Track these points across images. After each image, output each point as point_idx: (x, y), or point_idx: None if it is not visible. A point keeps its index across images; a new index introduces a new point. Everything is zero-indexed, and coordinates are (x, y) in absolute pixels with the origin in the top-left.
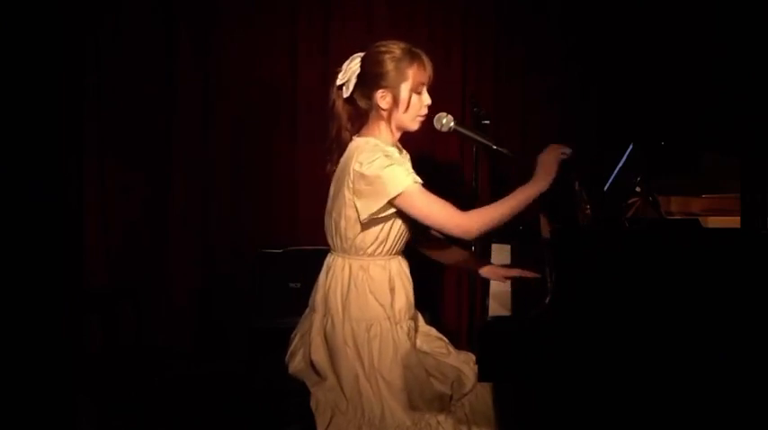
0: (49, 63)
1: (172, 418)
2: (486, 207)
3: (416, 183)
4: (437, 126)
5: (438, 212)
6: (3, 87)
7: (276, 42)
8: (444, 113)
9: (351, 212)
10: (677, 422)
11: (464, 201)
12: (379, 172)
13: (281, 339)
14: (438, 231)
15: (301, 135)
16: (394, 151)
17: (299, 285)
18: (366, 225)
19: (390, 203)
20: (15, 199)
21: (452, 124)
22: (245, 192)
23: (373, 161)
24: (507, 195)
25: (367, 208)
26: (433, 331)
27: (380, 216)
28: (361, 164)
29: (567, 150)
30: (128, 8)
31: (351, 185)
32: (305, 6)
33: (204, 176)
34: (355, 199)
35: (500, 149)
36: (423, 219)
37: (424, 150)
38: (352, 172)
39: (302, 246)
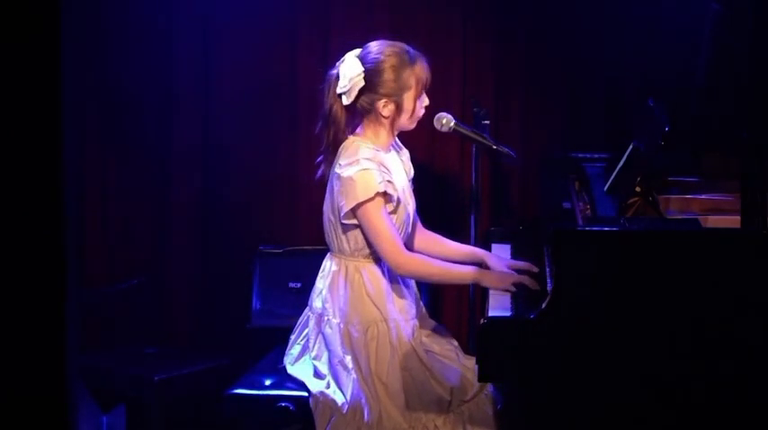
0: (49, 60)
1: (171, 418)
2: (428, 261)
3: (385, 194)
4: (437, 126)
5: (387, 234)
6: (2, 84)
7: (276, 43)
8: (444, 113)
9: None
10: (677, 422)
11: (464, 202)
12: (352, 174)
13: (280, 339)
14: (373, 251)
15: (301, 135)
16: (380, 155)
17: (299, 285)
18: (359, 228)
19: (353, 211)
20: (14, 198)
21: (452, 124)
22: (245, 191)
23: (351, 163)
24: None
25: (342, 210)
26: (446, 333)
27: (351, 222)
28: (340, 165)
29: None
30: (129, 9)
31: (334, 187)
32: (305, 14)
33: (204, 176)
34: (338, 200)
35: (500, 149)
36: (371, 235)
37: (424, 150)
38: (334, 174)
39: (302, 246)
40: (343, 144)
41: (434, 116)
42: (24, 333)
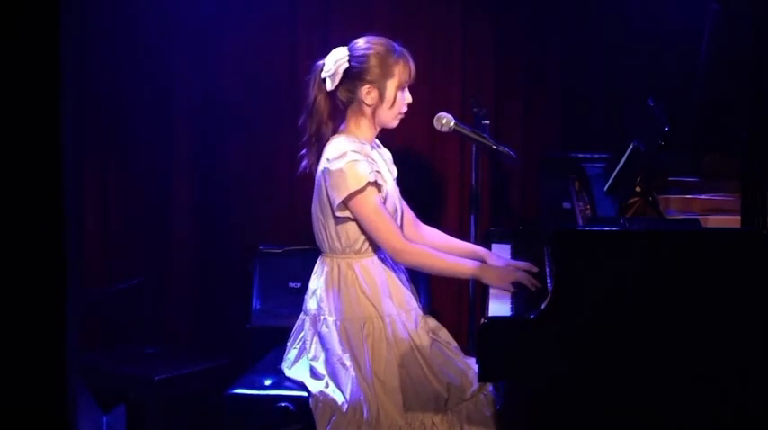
0: (49, 61)
1: (171, 418)
2: (429, 250)
3: (376, 183)
4: (437, 126)
5: (384, 222)
6: (2, 85)
7: (276, 43)
8: (444, 113)
9: (331, 211)
10: (677, 421)
11: (464, 202)
12: (342, 166)
13: (280, 339)
14: (371, 240)
15: (302, 134)
16: (366, 148)
17: (299, 285)
18: (350, 223)
19: (345, 203)
20: (14, 197)
21: (452, 124)
22: (245, 191)
23: (339, 157)
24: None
25: (335, 202)
26: (445, 332)
27: (345, 215)
28: (328, 160)
29: (522, 276)
30: (128, 10)
31: (324, 184)
32: (305, 14)
33: (204, 176)
34: (328, 196)
35: (500, 149)
36: (368, 225)
37: (424, 150)
38: (322, 170)
39: (302, 246)
40: (330, 142)
41: (434, 116)
42: (24, 333)
